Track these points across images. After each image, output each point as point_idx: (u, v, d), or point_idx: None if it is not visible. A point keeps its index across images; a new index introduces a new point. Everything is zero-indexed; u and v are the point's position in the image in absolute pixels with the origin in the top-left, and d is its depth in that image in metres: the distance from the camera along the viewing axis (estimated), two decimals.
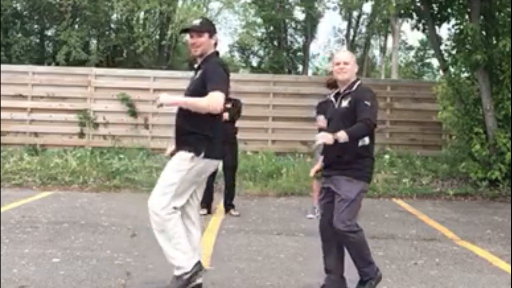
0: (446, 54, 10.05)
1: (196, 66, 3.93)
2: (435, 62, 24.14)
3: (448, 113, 9.79)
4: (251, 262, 4.77)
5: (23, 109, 11.61)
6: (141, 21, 19.83)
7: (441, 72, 12.27)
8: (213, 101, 3.56)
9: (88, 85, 11.80)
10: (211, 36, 3.83)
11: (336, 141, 3.67)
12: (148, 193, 9.34)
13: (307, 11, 24.19)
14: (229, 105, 6.95)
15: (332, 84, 7.21)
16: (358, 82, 3.93)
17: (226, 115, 6.79)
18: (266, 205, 7.80)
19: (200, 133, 3.68)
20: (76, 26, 17.99)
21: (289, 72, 23.52)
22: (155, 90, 11.87)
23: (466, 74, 10.05)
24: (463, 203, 8.69)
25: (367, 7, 23.95)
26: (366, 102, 3.72)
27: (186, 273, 3.68)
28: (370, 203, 8.19)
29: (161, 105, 3.84)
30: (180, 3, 20.14)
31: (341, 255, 4.03)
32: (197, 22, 3.89)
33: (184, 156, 3.68)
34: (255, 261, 4.81)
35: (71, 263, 4.55)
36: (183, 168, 3.67)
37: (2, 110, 11.31)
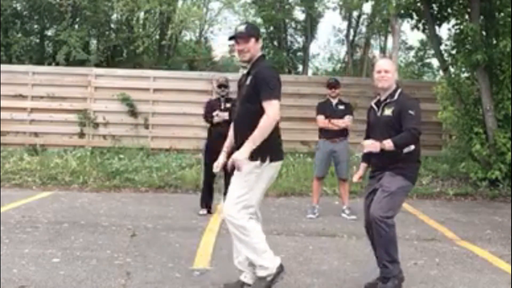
0: (446, 54, 10.05)
1: (245, 71, 3.95)
2: (435, 62, 24.12)
3: (448, 113, 9.79)
4: None
5: (23, 109, 11.60)
6: (141, 21, 19.80)
7: (441, 72, 12.27)
8: (272, 113, 3.63)
9: (88, 85, 11.79)
10: (257, 40, 3.86)
11: (382, 150, 3.84)
12: (148, 193, 9.38)
13: (307, 11, 24.16)
14: (229, 105, 6.96)
15: (331, 85, 7.23)
16: (399, 91, 4.04)
17: (226, 115, 6.80)
18: (266, 205, 7.79)
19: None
20: (76, 26, 17.96)
21: (289, 72, 23.47)
22: (155, 90, 11.88)
23: (466, 74, 10.04)
24: (463, 203, 8.69)
25: (367, 7, 23.93)
26: (410, 112, 3.88)
27: (269, 275, 3.73)
28: None
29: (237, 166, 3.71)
30: (180, 3, 20.12)
31: None
32: (242, 28, 3.90)
33: (252, 165, 3.70)
34: None
35: (71, 263, 4.55)
36: (252, 177, 3.72)
37: (2, 110, 11.31)
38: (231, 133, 4.10)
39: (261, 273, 3.73)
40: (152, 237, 5.62)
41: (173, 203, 7.76)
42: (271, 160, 3.74)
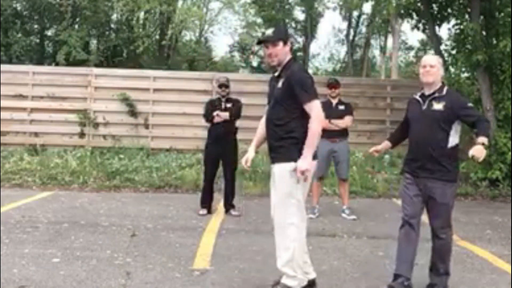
0: (446, 54, 10.05)
1: (276, 74, 3.91)
2: None
3: None
4: (251, 262, 4.77)
5: (23, 109, 11.60)
6: (141, 21, 19.80)
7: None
8: (318, 114, 3.68)
9: (88, 85, 11.79)
10: (285, 43, 3.84)
11: (427, 143, 3.95)
12: (148, 193, 9.37)
13: (307, 11, 24.17)
14: (229, 105, 6.96)
15: (332, 85, 7.22)
16: (446, 87, 4.11)
17: (226, 115, 6.80)
18: (266, 205, 7.76)
19: (296, 138, 3.72)
20: (76, 26, 17.97)
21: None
22: (155, 90, 11.88)
23: (466, 74, 10.05)
24: (463, 203, 8.68)
25: (367, 7, 23.92)
26: (469, 105, 4.06)
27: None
28: (370, 203, 8.19)
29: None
30: (180, 3, 20.14)
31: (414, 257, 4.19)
32: (270, 32, 3.90)
33: (288, 167, 3.71)
34: (255, 261, 4.82)
35: (71, 263, 4.55)
36: (292, 178, 3.72)
37: (2, 110, 11.31)
38: (260, 129, 4.08)
39: (287, 281, 3.77)
40: (152, 237, 5.61)
41: (173, 203, 7.76)
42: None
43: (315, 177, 7.26)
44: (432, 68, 4.02)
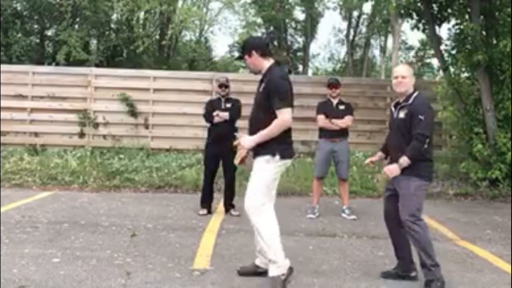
0: (446, 54, 10.05)
1: (260, 78, 4.24)
2: (435, 62, 24.13)
3: (448, 113, 9.79)
4: (251, 262, 4.76)
5: (23, 109, 11.60)
6: (141, 21, 19.81)
7: (441, 72, 12.27)
8: (283, 120, 3.99)
9: (88, 85, 11.79)
10: (256, 52, 4.13)
11: (395, 150, 4.26)
12: (148, 193, 9.37)
13: (307, 11, 24.19)
14: (229, 105, 6.96)
15: (332, 85, 7.23)
16: (415, 95, 4.33)
17: (226, 115, 6.80)
18: None
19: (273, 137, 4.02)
20: (76, 26, 17.98)
21: (289, 72, 23.47)
22: (155, 90, 11.88)
23: (466, 74, 10.04)
24: (463, 203, 8.69)
25: (367, 7, 23.95)
26: (420, 116, 4.15)
27: (283, 274, 3.99)
28: (370, 203, 8.19)
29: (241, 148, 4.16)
30: (180, 3, 20.14)
31: (407, 242, 4.35)
32: (241, 46, 4.34)
33: (264, 159, 4.04)
34: None
35: (71, 263, 4.55)
36: (264, 170, 4.05)
37: (2, 110, 11.31)
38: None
39: (272, 271, 4.00)
40: (152, 237, 5.61)
41: (173, 203, 7.76)
42: (281, 157, 4.05)
43: (315, 177, 7.30)
44: (404, 79, 4.29)
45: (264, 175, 4.05)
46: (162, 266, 4.55)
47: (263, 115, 4.05)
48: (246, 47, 4.23)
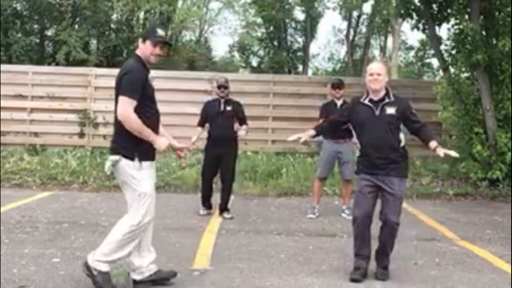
0: (446, 54, 10.04)
1: None
2: (435, 62, 24.14)
3: (448, 113, 9.78)
4: (251, 262, 4.77)
5: (23, 109, 11.59)
6: (141, 21, 19.82)
7: (441, 72, 12.27)
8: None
9: (88, 85, 11.79)
10: (144, 41, 4.06)
11: (384, 145, 4.28)
12: None
13: (307, 11, 24.18)
14: (229, 108, 6.93)
15: (336, 86, 7.21)
16: (391, 91, 4.46)
17: (244, 134, 6.89)
18: (266, 205, 7.80)
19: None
20: (76, 26, 17.98)
21: (289, 72, 23.49)
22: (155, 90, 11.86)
23: (466, 74, 10.03)
24: (463, 203, 8.69)
25: (367, 7, 23.94)
26: (413, 111, 4.45)
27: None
28: None
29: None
30: (180, 3, 20.16)
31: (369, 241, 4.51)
32: None
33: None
34: (255, 261, 4.81)
35: (71, 263, 4.55)
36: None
37: (2, 110, 11.30)
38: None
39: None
40: (152, 237, 5.60)
41: (173, 203, 7.76)
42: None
43: (317, 177, 7.27)
44: (379, 76, 4.34)
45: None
46: (162, 266, 4.54)
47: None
48: (143, 33, 4.09)
